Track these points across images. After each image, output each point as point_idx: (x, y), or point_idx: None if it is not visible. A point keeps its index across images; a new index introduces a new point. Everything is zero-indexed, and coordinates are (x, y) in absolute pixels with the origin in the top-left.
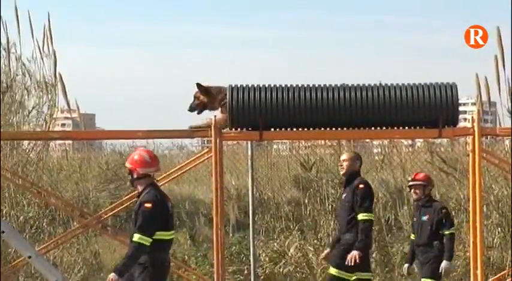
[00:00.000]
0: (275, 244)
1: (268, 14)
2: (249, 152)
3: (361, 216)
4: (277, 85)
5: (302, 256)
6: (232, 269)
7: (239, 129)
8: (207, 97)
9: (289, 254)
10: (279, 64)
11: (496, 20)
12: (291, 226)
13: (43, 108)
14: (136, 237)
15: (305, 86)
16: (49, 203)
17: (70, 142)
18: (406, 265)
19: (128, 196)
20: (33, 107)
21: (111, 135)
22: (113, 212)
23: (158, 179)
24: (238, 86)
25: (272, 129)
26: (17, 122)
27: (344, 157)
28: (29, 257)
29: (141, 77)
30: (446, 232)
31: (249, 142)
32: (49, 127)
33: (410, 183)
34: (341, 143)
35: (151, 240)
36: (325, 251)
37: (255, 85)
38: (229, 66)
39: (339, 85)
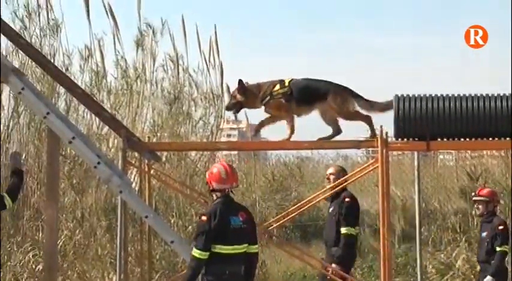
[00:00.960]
0: (442, 255)
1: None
2: (416, 163)
3: (343, 230)
4: (444, 94)
5: (470, 268)
6: None
7: (405, 139)
8: (243, 96)
9: (457, 266)
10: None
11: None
12: (458, 238)
13: (210, 119)
14: (193, 251)
15: (472, 95)
16: None
17: (236, 152)
18: None
19: (294, 206)
20: (200, 118)
21: (277, 146)
22: (279, 222)
23: (323, 190)
24: (405, 95)
25: (439, 139)
26: (184, 133)
27: (331, 170)
28: (171, 242)
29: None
30: (498, 249)
31: (416, 152)
32: (216, 138)
33: (474, 198)
34: (509, 153)
35: (206, 253)
36: None
37: (422, 95)
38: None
39: (501, 94)
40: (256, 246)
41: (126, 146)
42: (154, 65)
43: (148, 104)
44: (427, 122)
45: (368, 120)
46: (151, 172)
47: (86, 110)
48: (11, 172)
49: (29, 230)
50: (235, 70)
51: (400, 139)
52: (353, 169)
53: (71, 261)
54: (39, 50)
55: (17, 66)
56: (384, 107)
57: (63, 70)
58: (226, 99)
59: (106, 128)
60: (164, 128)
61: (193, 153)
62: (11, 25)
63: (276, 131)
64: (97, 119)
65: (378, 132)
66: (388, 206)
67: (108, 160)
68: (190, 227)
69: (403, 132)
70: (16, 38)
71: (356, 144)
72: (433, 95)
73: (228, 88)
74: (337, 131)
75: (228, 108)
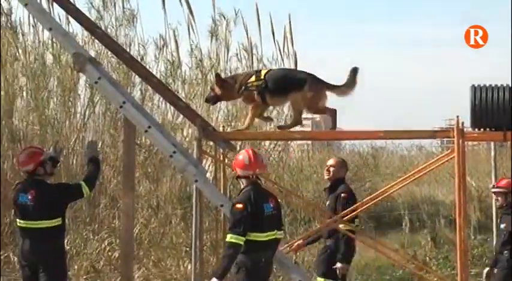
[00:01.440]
0: None
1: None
2: (492, 153)
3: (341, 226)
4: None
5: None
6: (475, 272)
7: (482, 129)
8: (221, 89)
9: None
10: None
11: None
12: None
13: (283, 109)
14: (229, 237)
15: None
16: (290, 203)
17: (310, 142)
18: (486, 269)
19: (368, 197)
20: (274, 108)
21: (352, 136)
22: (354, 213)
23: (398, 180)
24: (482, 85)
25: None
26: (258, 122)
27: (331, 162)
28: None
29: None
30: None
31: (492, 143)
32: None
33: (493, 190)
34: None
35: (243, 239)
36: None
37: (499, 85)
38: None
39: None
40: (282, 232)
41: (202, 135)
42: (228, 54)
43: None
44: (504, 112)
45: (333, 113)
46: (226, 161)
47: (161, 99)
48: (88, 160)
49: (106, 218)
50: (310, 60)
51: (476, 129)
52: (428, 159)
53: (146, 249)
54: (115, 39)
55: (93, 55)
56: (351, 83)
57: (139, 60)
58: None
59: (180, 117)
60: (238, 118)
61: (267, 142)
62: (88, 15)
63: (350, 121)
64: (172, 108)
65: (453, 122)
66: (464, 197)
67: (183, 149)
68: None
69: (480, 122)
70: (92, 28)
71: (431, 134)
72: (511, 85)
73: None
74: (298, 121)
75: (206, 100)
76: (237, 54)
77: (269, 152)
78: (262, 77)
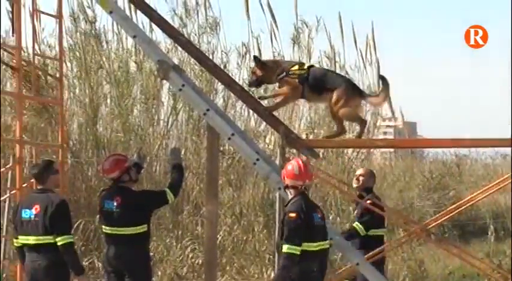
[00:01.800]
0: None
1: None
2: None
3: (370, 233)
4: None
5: None
6: None
7: None
8: (262, 71)
9: None
10: None
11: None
12: None
13: (366, 117)
14: (285, 247)
15: None
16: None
17: (392, 150)
18: None
19: (453, 206)
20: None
21: (435, 143)
22: (438, 221)
23: (483, 189)
24: None
25: None
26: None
27: (360, 171)
28: (330, 238)
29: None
30: None
31: None
32: (372, 135)
33: None
34: None
35: (300, 249)
36: None
37: None
38: None
39: None
40: (328, 242)
41: (285, 142)
42: (310, 62)
43: (304, 101)
44: None
45: (363, 123)
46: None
47: (244, 106)
48: (172, 167)
49: (189, 225)
50: (393, 67)
51: None
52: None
53: (229, 256)
54: (198, 47)
55: (176, 63)
56: (385, 93)
57: (222, 67)
58: None
59: (263, 124)
60: (321, 125)
61: (349, 150)
62: (171, 22)
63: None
64: (255, 115)
65: None
66: None
67: (266, 156)
68: (347, 224)
69: None
70: (176, 35)
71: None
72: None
73: None
74: (340, 130)
75: (250, 84)
76: (319, 62)
77: (352, 160)
78: (305, 67)
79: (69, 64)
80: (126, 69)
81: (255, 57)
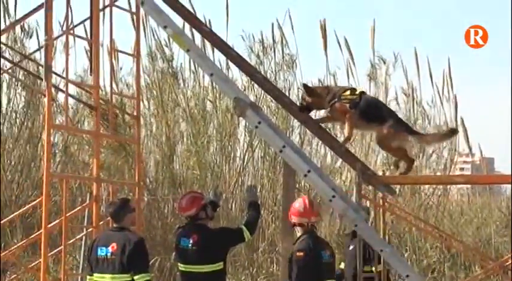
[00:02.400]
0: None
1: None
2: None
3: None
4: None
5: None
6: None
7: None
8: (311, 97)
9: None
10: None
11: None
12: None
13: (443, 153)
14: None
15: None
16: (450, 248)
17: (469, 186)
18: None
19: None
20: (433, 151)
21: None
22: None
23: None
24: None
25: None
26: (417, 166)
27: None
28: (407, 276)
29: None
30: None
31: None
32: (449, 171)
33: None
34: None
35: None
36: None
37: None
38: None
39: None
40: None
41: (361, 179)
42: (387, 97)
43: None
44: None
45: (410, 162)
46: (386, 205)
47: (320, 143)
48: (248, 205)
49: (264, 262)
50: (471, 103)
51: None
52: None
53: None
54: (275, 84)
55: (252, 100)
56: (439, 137)
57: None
58: (461, 132)
59: (339, 161)
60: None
61: (426, 186)
62: (247, 60)
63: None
64: (331, 152)
65: None
66: None
67: (343, 193)
68: (424, 261)
69: None
70: (252, 73)
71: None
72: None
73: (463, 121)
74: (410, 162)
75: (300, 109)
76: (396, 98)
77: (428, 197)
78: (357, 93)
79: (146, 102)
80: (203, 106)
81: (304, 84)
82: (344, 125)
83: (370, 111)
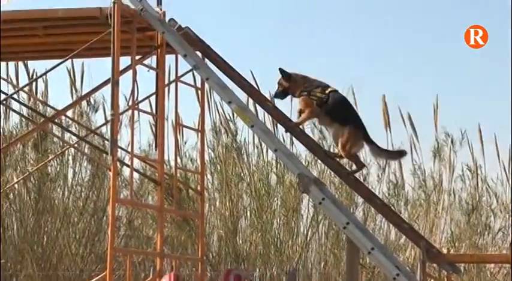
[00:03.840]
0: None
1: None
2: None
3: None
4: None
5: None
6: None
7: None
8: (288, 83)
9: None
10: None
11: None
12: None
13: (509, 231)
14: None
15: None
16: None
17: None
18: None
19: None
20: (500, 229)
21: None
22: None
23: None
24: None
25: None
26: (483, 244)
27: None
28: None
29: None
30: None
31: None
32: None
33: None
34: None
35: None
36: None
37: None
38: None
39: None
40: None
41: (426, 257)
42: (452, 175)
43: (446, 214)
44: None
45: (359, 166)
46: None
47: (384, 220)
48: None
49: None
50: None
51: None
52: None
53: None
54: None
55: (316, 176)
56: (391, 155)
57: (361, 180)
58: None
59: (403, 238)
60: (462, 239)
61: (491, 265)
62: (311, 136)
63: None
64: (395, 229)
65: None
66: None
67: (407, 272)
68: None
69: None
70: (315, 149)
71: None
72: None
73: None
74: (361, 166)
75: (275, 95)
76: (461, 175)
77: (494, 275)
78: (327, 92)
79: (210, 177)
80: (267, 181)
81: (280, 69)
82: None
83: (335, 111)
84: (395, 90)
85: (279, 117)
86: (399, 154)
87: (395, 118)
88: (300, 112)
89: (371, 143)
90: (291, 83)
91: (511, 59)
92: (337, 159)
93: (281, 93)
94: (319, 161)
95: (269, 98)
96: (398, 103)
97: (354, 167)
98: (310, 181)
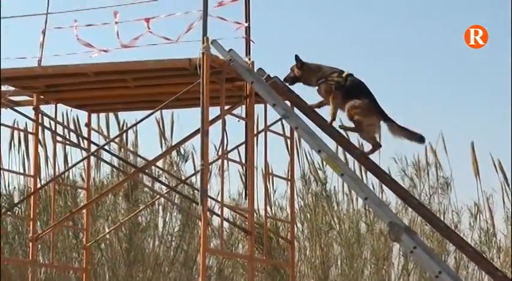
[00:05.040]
0: None
1: None
2: None
3: None
4: None
5: None
6: None
7: None
8: (301, 71)
9: None
10: None
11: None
12: None
13: None
14: None
15: None
16: None
17: None
18: None
19: None
20: None
21: None
22: None
23: None
24: None
25: None
26: None
27: None
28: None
29: None
30: None
31: None
32: None
33: None
34: None
35: None
36: None
37: None
38: None
39: None
40: None
41: None
42: None
43: None
44: None
45: (375, 146)
46: None
47: (476, 267)
48: None
49: None
50: None
51: None
52: None
53: None
54: (429, 207)
55: (406, 224)
56: (410, 136)
57: (453, 227)
58: None
59: None
60: None
61: None
62: (401, 183)
63: None
64: (487, 276)
65: None
66: None
67: None
68: None
69: None
70: (406, 196)
71: None
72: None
73: None
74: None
75: (285, 79)
76: None
77: None
78: (343, 75)
79: (299, 225)
80: (357, 229)
81: (296, 55)
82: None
83: (353, 91)
84: (483, 135)
85: (369, 165)
86: (419, 138)
87: (485, 165)
88: (322, 103)
89: (389, 120)
90: (304, 71)
91: (511, 59)
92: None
93: (291, 79)
94: (409, 209)
95: (358, 146)
96: (488, 149)
97: (369, 146)
98: (401, 229)
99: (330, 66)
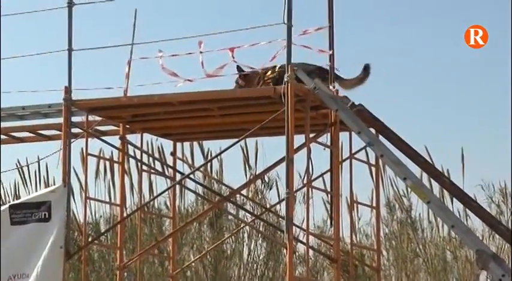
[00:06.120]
0: None
1: None
2: None
3: None
4: None
5: None
6: None
7: None
8: (244, 81)
9: None
10: None
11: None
12: None
13: None
14: None
15: None
16: None
17: None
18: None
19: None
20: None
21: None
22: None
23: None
24: None
25: None
26: None
27: None
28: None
29: None
30: None
31: None
32: None
33: None
34: None
35: None
36: None
37: None
38: None
39: None
40: None
41: None
42: None
43: None
44: None
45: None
46: None
47: None
48: None
49: None
50: None
51: None
52: None
53: None
54: None
55: (494, 251)
56: (357, 80)
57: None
58: None
59: None
60: None
61: None
62: (487, 210)
63: None
64: None
65: None
66: None
67: None
68: None
69: None
70: (493, 224)
71: None
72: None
73: None
74: None
75: None
76: None
77: None
78: (276, 70)
79: (385, 253)
80: (443, 257)
81: (237, 67)
82: None
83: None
84: None
85: (456, 192)
86: (365, 69)
87: None
88: None
89: (341, 80)
90: (247, 80)
91: (511, 59)
92: None
93: None
94: (496, 236)
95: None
96: None
97: None
98: (489, 257)
99: (265, 67)
